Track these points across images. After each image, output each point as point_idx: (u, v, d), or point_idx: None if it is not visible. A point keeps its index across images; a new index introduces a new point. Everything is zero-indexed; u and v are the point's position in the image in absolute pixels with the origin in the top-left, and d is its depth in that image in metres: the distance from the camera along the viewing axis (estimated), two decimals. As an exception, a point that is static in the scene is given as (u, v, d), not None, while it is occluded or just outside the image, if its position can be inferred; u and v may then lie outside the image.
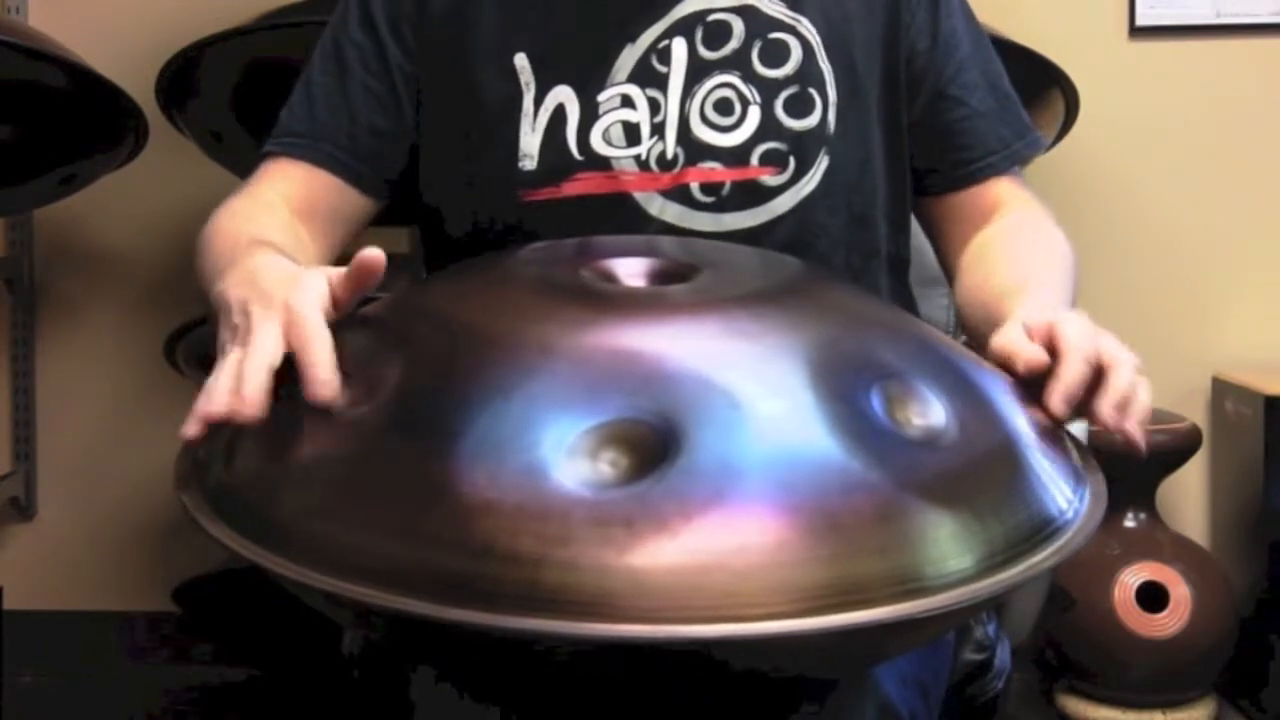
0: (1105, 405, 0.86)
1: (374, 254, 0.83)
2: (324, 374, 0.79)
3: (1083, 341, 0.88)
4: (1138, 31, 2.38)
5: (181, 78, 2.03)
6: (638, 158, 1.14)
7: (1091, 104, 2.15)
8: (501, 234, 1.15)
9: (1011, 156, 1.22)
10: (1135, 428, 0.87)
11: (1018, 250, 1.15)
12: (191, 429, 0.79)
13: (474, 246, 1.15)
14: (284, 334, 0.81)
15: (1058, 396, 0.86)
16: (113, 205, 2.46)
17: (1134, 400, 0.87)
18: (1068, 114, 2.14)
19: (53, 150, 2.17)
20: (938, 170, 1.22)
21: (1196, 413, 2.33)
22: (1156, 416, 2.22)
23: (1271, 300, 2.38)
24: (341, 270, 0.85)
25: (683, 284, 0.89)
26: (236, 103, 2.14)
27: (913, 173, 1.23)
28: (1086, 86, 2.11)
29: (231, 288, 0.89)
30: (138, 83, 2.08)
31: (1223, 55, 2.37)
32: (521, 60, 1.16)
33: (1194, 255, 2.39)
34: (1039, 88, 2.07)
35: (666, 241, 1.07)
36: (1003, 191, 1.21)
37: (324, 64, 1.20)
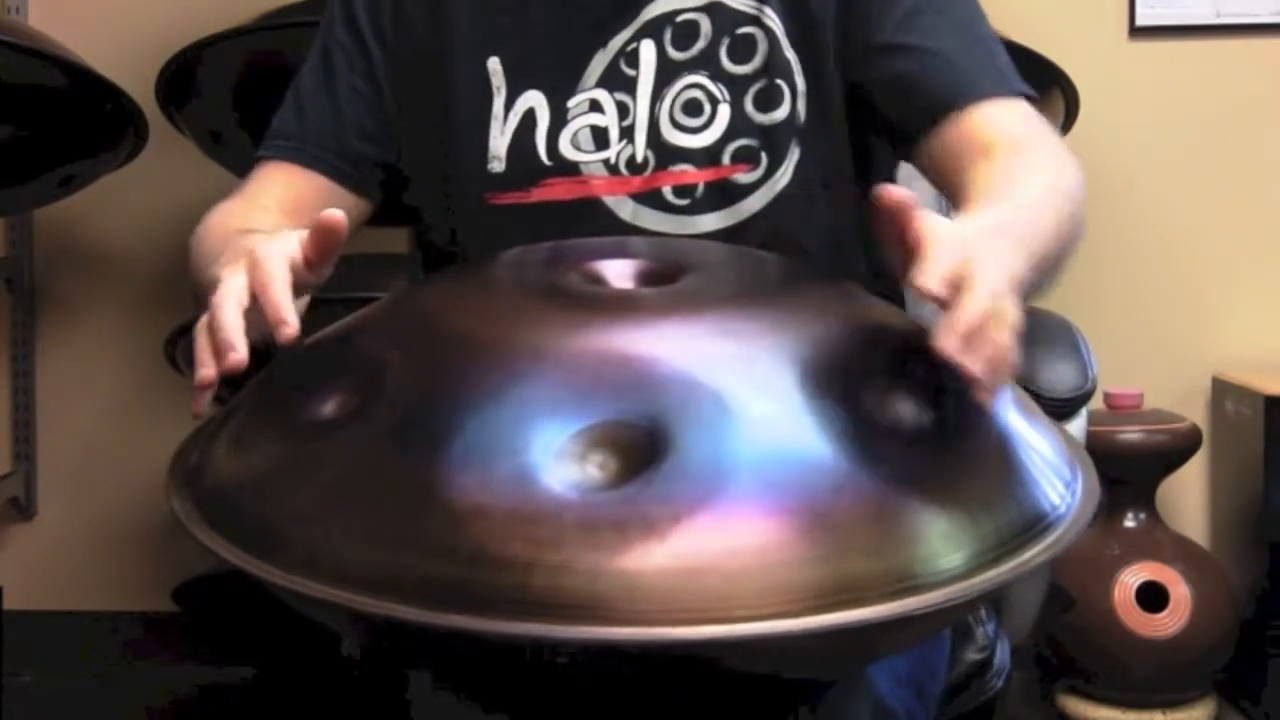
0: (945, 335, 0.75)
1: (334, 213, 0.86)
2: (282, 314, 0.81)
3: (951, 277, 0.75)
4: (1138, 31, 2.37)
5: (181, 78, 2.03)
6: (606, 162, 1.13)
7: (1091, 104, 2.14)
8: (473, 236, 1.15)
9: (985, 85, 1.08)
10: (974, 362, 0.75)
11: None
12: (196, 406, 0.82)
13: (453, 246, 1.16)
14: (248, 280, 0.83)
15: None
16: (113, 205, 2.46)
17: (982, 335, 0.75)
18: (1068, 114, 2.14)
19: (53, 150, 2.17)
20: (908, 118, 1.10)
21: (1196, 413, 2.32)
22: (1156, 417, 2.22)
23: (1271, 300, 2.38)
24: (306, 231, 0.87)
25: (670, 285, 0.89)
26: (236, 103, 2.14)
27: (890, 134, 1.14)
28: (1086, 86, 2.10)
29: (223, 267, 0.89)
30: (138, 83, 2.08)
31: (1223, 55, 2.37)
32: (495, 64, 1.15)
33: (1194, 255, 2.39)
34: (1039, 88, 2.06)
35: (653, 242, 1.07)
36: (987, 120, 1.07)
37: (312, 67, 1.21)
